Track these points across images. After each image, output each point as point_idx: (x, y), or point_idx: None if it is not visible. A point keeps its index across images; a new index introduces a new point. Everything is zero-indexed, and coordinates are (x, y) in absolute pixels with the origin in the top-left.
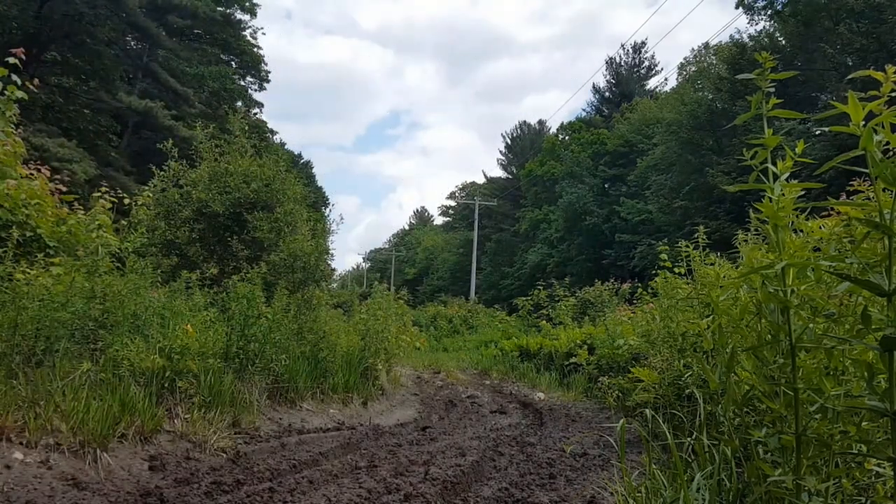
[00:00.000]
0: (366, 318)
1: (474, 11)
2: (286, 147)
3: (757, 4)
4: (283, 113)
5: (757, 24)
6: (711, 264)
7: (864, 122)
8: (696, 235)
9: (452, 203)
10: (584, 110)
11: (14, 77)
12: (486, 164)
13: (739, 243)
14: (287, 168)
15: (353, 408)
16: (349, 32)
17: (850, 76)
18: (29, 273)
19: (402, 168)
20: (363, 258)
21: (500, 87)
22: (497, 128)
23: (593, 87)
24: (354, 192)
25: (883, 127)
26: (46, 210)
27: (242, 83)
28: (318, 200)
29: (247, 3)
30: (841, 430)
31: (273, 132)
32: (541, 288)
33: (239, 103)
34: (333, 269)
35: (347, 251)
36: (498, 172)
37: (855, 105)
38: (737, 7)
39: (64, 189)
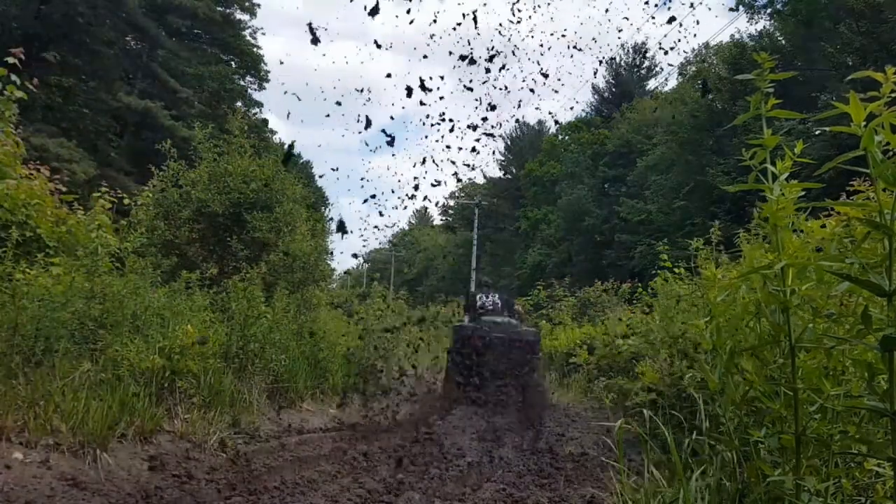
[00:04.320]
0: (365, 319)
1: (487, 20)
2: (286, 147)
3: (757, 3)
4: (293, 116)
5: (757, 23)
6: (719, 265)
7: (864, 123)
8: (703, 235)
9: (452, 203)
10: (583, 111)
11: (13, 77)
12: (487, 164)
13: (742, 243)
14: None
15: (353, 408)
16: (362, 40)
17: (849, 77)
18: (29, 273)
19: (408, 171)
20: (363, 258)
21: (509, 92)
22: (503, 131)
23: (593, 87)
24: (359, 194)
25: (883, 127)
26: (46, 210)
27: (242, 83)
28: (317, 201)
29: (246, 3)
30: (841, 431)
31: (273, 132)
32: (541, 288)
33: (238, 103)
34: (333, 270)
35: (351, 252)
36: (498, 172)
37: (856, 105)
38: (737, 6)
39: (64, 189)
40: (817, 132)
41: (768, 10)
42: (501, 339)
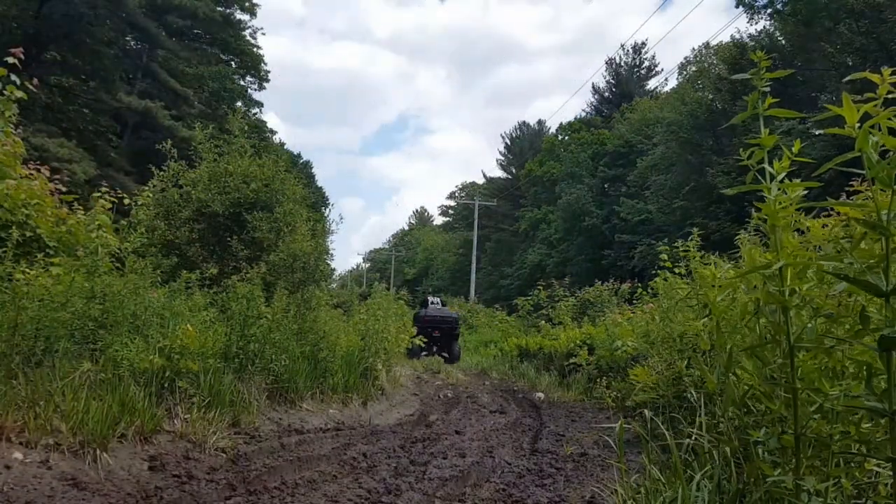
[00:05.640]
0: (365, 319)
1: (485, 19)
2: (286, 147)
3: (757, 3)
4: (293, 117)
5: (757, 23)
6: (708, 264)
7: (859, 124)
8: (690, 237)
9: (452, 203)
10: (583, 111)
11: (13, 77)
12: (486, 164)
13: (742, 244)
14: (287, 168)
15: (353, 408)
16: (362, 39)
17: (847, 77)
18: (29, 273)
19: (408, 171)
20: (363, 258)
21: (508, 92)
22: (503, 131)
23: (593, 87)
24: (360, 194)
25: (879, 129)
26: (46, 210)
27: (242, 83)
28: (318, 201)
29: (246, 4)
30: (841, 431)
31: (273, 132)
32: (541, 288)
33: (239, 103)
34: (333, 269)
35: (351, 252)
36: (497, 172)
37: (849, 107)
38: (737, 6)
39: (64, 189)
40: (817, 132)
41: (768, 11)
42: (439, 318)
